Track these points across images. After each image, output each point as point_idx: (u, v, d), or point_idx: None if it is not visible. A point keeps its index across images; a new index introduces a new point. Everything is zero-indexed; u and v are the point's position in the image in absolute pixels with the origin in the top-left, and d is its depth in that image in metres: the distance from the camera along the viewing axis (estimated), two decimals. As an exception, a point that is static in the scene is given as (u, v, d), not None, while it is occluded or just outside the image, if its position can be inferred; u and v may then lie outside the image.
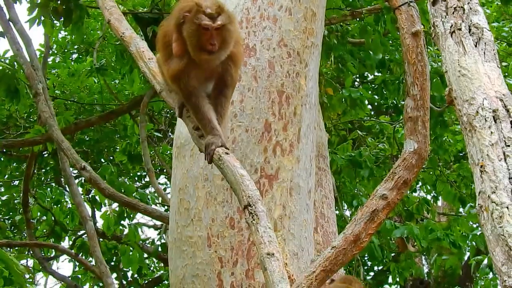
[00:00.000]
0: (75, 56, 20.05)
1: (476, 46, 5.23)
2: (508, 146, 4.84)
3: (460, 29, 5.25)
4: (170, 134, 18.75)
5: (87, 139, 18.33)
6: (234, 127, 8.89)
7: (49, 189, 18.71)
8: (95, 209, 19.29)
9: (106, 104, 17.84)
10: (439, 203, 21.75)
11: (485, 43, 5.26)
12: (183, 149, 9.15)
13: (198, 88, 6.17)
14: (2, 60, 15.28)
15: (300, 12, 9.48)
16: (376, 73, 18.15)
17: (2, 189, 18.85)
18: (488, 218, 4.68)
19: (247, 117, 9.02)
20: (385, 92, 17.86)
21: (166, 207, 13.57)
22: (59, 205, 18.24)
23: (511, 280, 4.50)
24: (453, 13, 5.30)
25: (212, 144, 6.45)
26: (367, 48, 15.93)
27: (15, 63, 15.08)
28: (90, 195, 18.62)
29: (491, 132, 4.88)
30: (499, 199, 4.65)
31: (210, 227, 8.77)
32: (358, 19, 15.87)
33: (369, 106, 19.16)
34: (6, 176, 18.58)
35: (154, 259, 19.75)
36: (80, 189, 17.23)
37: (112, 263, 19.00)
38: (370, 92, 18.41)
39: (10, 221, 18.91)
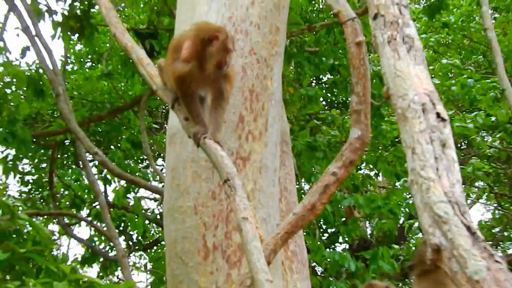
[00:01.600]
0: (89, 64, 20.03)
1: (408, 52, 5.20)
2: (434, 132, 4.81)
3: (395, 39, 5.21)
4: (165, 126, 18.82)
5: (99, 130, 18.32)
6: (214, 119, 8.90)
7: (69, 170, 18.71)
8: (106, 185, 19.34)
9: (114, 102, 17.78)
10: (380, 178, 21.77)
11: (415, 50, 5.23)
12: (175, 138, 9.12)
13: (194, 90, 6.21)
14: (30, 67, 15.18)
15: (266, 27, 9.45)
16: (328, 75, 18.25)
17: (33, 170, 18.81)
18: (418, 189, 4.64)
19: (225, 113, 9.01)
20: (335, 91, 17.93)
21: (162, 184, 13.48)
22: (77, 183, 18.26)
23: (435, 239, 4.46)
24: (389, 26, 5.25)
25: (199, 133, 6.55)
26: (321, 55, 15.95)
27: (40, 70, 15.01)
28: (102, 174, 18.59)
29: (420, 122, 4.86)
30: (427, 174, 4.62)
31: (196, 198, 8.73)
32: (313, 32, 15.84)
33: (323, 102, 19.22)
34: (36, 160, 18.55)
35: (154, 225, 19.67)
36: (94, 169, 17.16)
37: (121, 228, 19.07)
38: (323, 90, 18.51)
39: (39, 196, 18.87)
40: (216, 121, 6.08)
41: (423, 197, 4.56)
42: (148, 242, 19.95)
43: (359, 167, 18.33)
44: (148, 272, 20.47)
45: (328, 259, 15.88)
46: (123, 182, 19.07)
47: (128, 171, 17.55)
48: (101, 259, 18.08)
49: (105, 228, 15.93)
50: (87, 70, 19.77)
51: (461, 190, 4.61)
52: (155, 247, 19.34)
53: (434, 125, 4.80)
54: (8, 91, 15.20)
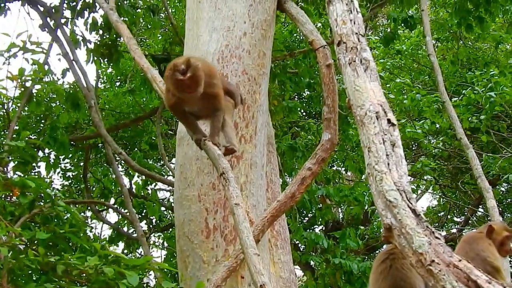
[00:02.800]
0: (118, 84, 19.99)
1: (365, 72, 5.18)
2: (385, 134, 4.81)
3: (355, 61, 5.20)
4: (177, 131, 18.93)
5: (126, 136, 18.29)
6: (214, 126, 8.90)
7: (100, 167, 18.65)
8: (130, 180, 19.37)
9: (136, 113, 17.78)
10: (349, 173, 21.75)
11: (370, 70, 5.21)
12: (183, 140, 9.11)
13: (185, 111, 6.42)
14: (69, 85, 15.16)
15: (255, 53, 9.44)
16: (307, 91, 18.24)
17: (72, 168, 18.76)
18: (373, 180, 4.64)
19: (223, 120, 9.03)
20: (311, 104, 17.90)
21: (173, 177, 13.48)
22: (106, 177, 18.22)
23: (387, 220, 4.45)
24: (350, 51, 5.24)
25: (198, 139, 6.93)
26: (299, 75, 15.93)
27: (77, 87, 14.97)
28: (125, 170, 18.57)
29: (375, 126, 4.85)
30: (380, 168, 4.62)
31: (200, 189, 8.72)
32: (293, 57, 15.82)
33: (303, 112, 19.19)
34: (75, 159, 18.53)
35: (170, 211, 19.63)
36: (120, 167, 17.14)
37: (143, 214, 19.10)
38: (303, 103, 18.52)
39: (77, 188, 18.83)
40: (212, 127, 6.10)
41: (377, 186, 4.56)
42: (165, 225, 19.88)
43: (331, 164, 18.25)
44: (165, 249, 20.36)
45: (306, 238, 15.97)
46: (143, 177, 19.10)
47: (147, 168, 17.55)
48: (125, 239, 18.06)
49: (128, 214, 15.92)
50: (116, 88, 19.74)
51: (407, 181, 4.61)
52: (170, 229, 19.23)
53: (385, 129, 4.80)
54: (52, 104, 15.18)
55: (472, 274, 4.01)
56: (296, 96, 17.56)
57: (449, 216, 25.56)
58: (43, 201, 8.80)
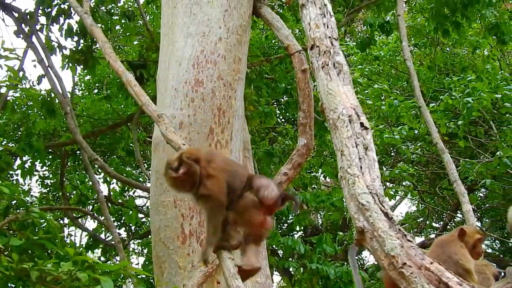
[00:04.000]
0: (95, 91, 19.97)
1: (338, 75, 5.21)
2: (358, 138, 4.85)
3: (328, 65, 5.23)
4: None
5: (104, 143, 18.27)
6: (190, 131, 8.88)
7: (77, 173, 18.61)
8: (109, 186, 19.37)
9: (114, 119, 17.76)
10: (328, 180, 21.82)
11: (343, 74, 5.24)
12: (158, 146, 9.15)
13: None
14: (44, 92, 15.14)
15: (231, 58, 9.46)
16: (285, 97, 18.28)
17: (51, 175, 18.71)
18: (345, 184, 4.68)
19: (199, 125, 9.01)
20: (288, 109, 17.92)
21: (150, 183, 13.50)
22: (83, 184, 18.20)
23: (360, 223, 4.48)
24: (323, 54, 5.27)
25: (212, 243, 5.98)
26: (276, 80, 15.97)
27: (52, 93, 14.94)
28: (101, 176, 18.54)
29: (348, 130, 4.89)
30: (353, 171, 4.66)
31: (175, 195, 8.74)
32: (270, 62, 15.85)
33: (281, 118, 19.22)
34: (54, 167, 18.48)
35: (148, 217, 19.62)
36: (97, 173, 17.13)
37: (122, 221, 19.13)
38: (282, 109, 18.56)
39: (56, 195, 18.78)
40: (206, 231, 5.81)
41: (349, 190, 4.60)
42: (144, 232, 19.87)
43: (308, 170, 18.27)
44: (144, 256, 20.36)
45: (283, 243, 15.98)
46: (120, 183, 19.12)
47: (124, 174, 17.57)
48: (102, 246, 18.07)
49: (104, 220, 15.92)
50: (94, 95, 19.73)
51: (380, 184, 4.65)
52: (149, 236, 19.21)
53: (358, 132, 4.84)
54: (29, 111, 15.16)
55: (443, 276, 4.05)
56: (274, 102, 17.57)
57: (427, 222, 25.68)
58: (18, 207, 8.81)
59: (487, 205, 24.69)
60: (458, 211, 21.72)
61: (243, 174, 5.97)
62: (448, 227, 24.21)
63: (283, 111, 18.58)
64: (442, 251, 4.73)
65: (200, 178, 5.64)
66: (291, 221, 19.78)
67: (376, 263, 23.52)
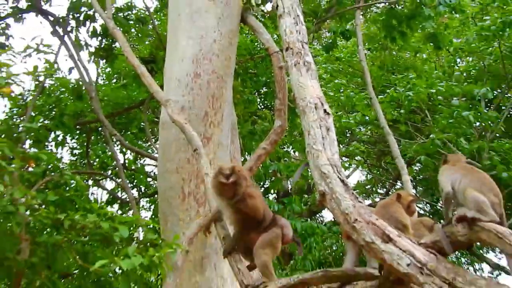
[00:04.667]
0: (114, 80, 19.82)
1: (307, 72, 5.27)
2: (322, 121, 4.90)
3: (299, 63, 5.29)
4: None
5: (120, 122, 18.12)
6: (190, 113, 8.94)
7: (99, 145, 18.50)
8: (123, 156, 19.28)
9: (128, 103, 17.68)
10: (297, 154, 21.77)
11: (311, 71, 5.30)
12: (164, 125, 9.23)
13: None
14: (73, 80, 15.08)
15: (223, 56, 9.54)
16: (265, 88, 18.24)
17: (78, 147, 18.59)
18: (311, 157, 4.73)
19: (197, 109, 9.09)
20: (267, 97, 17.90)
21: (157, 154, 13.48)
22: (104, 153, 18.10)
23: (321, 188, 4.54)
24: (295, 55, 5.33)
25: (226, 250, 5.69)
26: (258, 75, 15.99)
27: (80, 82, 14.90)
28: (119, 148, 18.42)
29: (314, 114, 4.94)
30: (317, 147, 4.70)
31: (178, 162, 8.81)
32: (253, 60, 15.85)
33: (261, 105, 19.18)
34: (81, 140, 18.34)
35: (155, 181, 19.55)
36: (115, 146, 17.04)
37: (134, 183, 19.07)
38: (261, 98, 18.54)
39: (81, 162, 18.66)
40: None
41: (314, 161, 4.66)
42: (151, 193, 19.79)
43: (281, 146, 18.28)
44: (151, 211, 20.28)
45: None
46: (133, 154, 19.10)
47: (137, 147, 17.58)
48: (119, 203, 18.05)
49: (121, 182, 15.92)
50: (113, 83, 19.58)
51: (338, 158, 4.72)
52: (155, 195, 19.15)
53: (322, 117, 4.90)
54: (61, 95, 15.08)
55: (386, 229, 4.13)
56: (256, 92, 17.55)
57: (374, 189, 25.75)
58: (53, 171, 8.83)
59: (421, 176, 24.77)
60: (398, 181, 21.84)
61: (268, 210, 5.87)
62: (390, 193, 24.34)
63: (263, 99, 18.57)
64: (385, 211, 4.81)
65: (242, 193, 5.42)
66: (267, 186, 19.76)
67: (333, 219, 23.62)
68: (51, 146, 15.93)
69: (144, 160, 20.50)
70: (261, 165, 9.29)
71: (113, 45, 15.41)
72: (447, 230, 4.22)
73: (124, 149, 18.62)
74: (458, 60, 22.49)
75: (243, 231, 5.55)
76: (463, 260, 23.88)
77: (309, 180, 17.37)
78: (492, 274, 23.52)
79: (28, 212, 7.74)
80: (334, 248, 22.67)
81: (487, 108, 19.85)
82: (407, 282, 4.08)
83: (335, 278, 4.53)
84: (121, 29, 14.71)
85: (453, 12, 15.82)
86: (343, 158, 21.87)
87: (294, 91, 5.17)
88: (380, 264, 4.39)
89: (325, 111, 4.93)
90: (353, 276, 4.51)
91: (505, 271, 22.32)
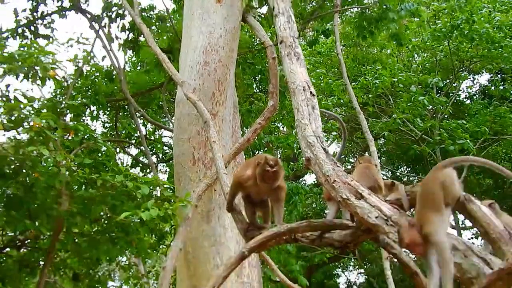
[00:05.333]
0: (139, 67, 19.67)
1: (297, 61, 5.19)
2: (309, 101, 4.84)
3: (291, 54, 5.20)
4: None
5: (143, 100, 17.96)
6: (200, 94, 8.84)
7: (126, 119, 18.39)
8: (145, 128, 19.16)
9: (150, 85, 17.57)
10: (285, 129, 21.70)
11: (301, 60, 5.22)
12: (180, 102, 9.15)
13: (250, 197, 5.09)
14: (106, 66, 15.00)
15: (227, 48, 9.47)
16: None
17: (108, 120, 18.47)
18: (299, 129, 4.67)
19: (205, 90, 9.02)
20: (262, 82, 17.77)
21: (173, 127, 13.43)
22: (129, 126, 17.98)
23: (307, 154, 4.50)
24: (288, 47, 5.24)
25: (244, 228, 5.16)
26: (255, 63, 15.91)
27: (112, 68, 14.84)
28: (142, 121, 18.29)
29: (302, 95, 4.88)
30: (304, 122, 4.65)
31: (190, 133, 8.78)
32: (252, 52, 15.76)
33: (257, 88, 19.07)
34: (110, 114, 18.22)
35: (170, 149, 19.45)
36: (139, 120, 16.90)
37: (153, 151, 19.01)
38: (257, 83, 18.43)
39: (111, 133, 18.53)
40: (278, 215, 5.03)
41: (302, 133, 4.60)
42: (167, 159, 19.70)
43: (272, 122, 18.17)
44: (167, 173, 20.23)
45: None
46: (153, 126, 19.01)
47: (156, 120, 17.48)
48: (141, 166, 18.00)
49: (143, 149, 15.88)
50: (138, 69, 19.45)
51: (321, 131, 4.66)
52: (170, 161, 19.07)
53: (309, 98, 4.83)
54: (96, 79, 15.00)
55: (359, 188, 4.09)
56: (253, 78, 17.43)
57: (346, 158, 25.75)
58: (88, 139, 8.80)
59: (385, 148, 24.84)
60: (367, 152, 21.84)
61: None
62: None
63: (259, 84, 18.46)
64: (368, 171, 4.78)
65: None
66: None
67: (314, 182, 23.63)
68: (87, 119, 15.85)
69: (162, 132, 20.45)
70: (256, 137, 9.20)
71: (138, 39, 15.31)
72: (408, 190, 4.22)
73: (146, 123, 18.56)
74: (416, 55, 22.47)
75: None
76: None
77: (295, 151, 17.31)
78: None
79: (67, 172, 7.72)
80: (314, 205, 22.77)
81: (438, 94, 19.84)
82: (374, 231, 4.07)
83: (317, 227, 4.49)
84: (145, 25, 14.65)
85: (412, 16, 15.78)
86: (323, 133, 21.88)
87: (286, 76, 5.10)
88: (351, 215, 4.37)
89: (311, 92, 4.87)
90: (331, 225, 4.48)
91: (451, 225, 22.45)
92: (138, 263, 14.31)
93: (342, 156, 25.55)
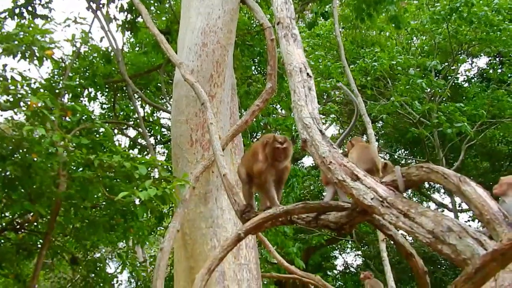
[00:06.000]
0: (137, 48, 19.60)
1: (294, 42, 5.16)
2: (305, 82, 4.82)
3: (288, 35, 5.17)
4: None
5: (141, 82, 17.88)
6: (198, 75, 8.79)
7: (124, 100, 18.30)
8: (143, 109, 19.09)
9: (148, 67, 17.51)
10: (283, 111, 21.64)
11: (298, 41, 5.18)
12: (178, 84, 9.10)
13: (270, 179, 5.22)
14: (104, 47, 14.92)
15: (226, 29, 9.38)
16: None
17: (106, 101, 18.41)
18: (296, 111, 4.65)
19: (203, 72, 8.95)
20: (261, 64, 17.71)
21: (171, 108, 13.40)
22: (127, 107, 17.90)
23: (303, 136, 4.50)
24: (285, 28, 5.20)
25: (245, 210, 5.19)
26: (254, 45, 15.84)
27: (110, 49, 14.76)
28: (140, 103, 18.18)
29: (299, 77, 4.85)
30: (300, 103, 4.64)
31: (187, 115, 8.72)
32: (250, 33, 15.68)
33: (255, 70, 19.00)
34: (108, 95, 18.15)
35: (168, 131, 19.41)
36: (136, 101, 16.81)
37: (151, 132, 18.94)
38: (256, 64, 18.36)
39: (109, 114, 18.48)
40: (277, 196, 5.06)
41: (298, 114, 4.59)
42: (165, 140, 19.68)
43: (271, 104, 18.09)
44: (165, 155, 20.20)
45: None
46: (151, 108, 18.94)
47: (154, 102, 17.41)
48: (139, 147, 17.95)
49: (141, 131, 15.86)
50: (136, 51, 19.37)
51: (317, 112, 4.64)
52: (168, 142, 19.04)
53: (305, 79, 4.80)
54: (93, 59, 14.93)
55: (354, 170, 4.08)
56: (251, 60, 17.35)
57: (345, 141, 25.74)
58: (86, 120, 8.79)
59: (383, 131, 24.85)
60: (364, 134, 21.85)
61: None
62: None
63: (257, 66, 18.40)
64: (367, 152, 4.78)
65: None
66: (259, 137, 19.66)
67: (312, 165, 23.66)
68: (85, 100, 15.80)
69: (160, 113, 20.39)
70: (254, 118, 9.19)
71: (136, 20, 15.23)
72: (403, 172, 4.21)
73: (144, 104, 18.49)
74: (414, 38, 22.42)
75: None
76: (414, 199, 24.01)
77: (293, 133, 17.30)
78: (437, 210, 23.72)
79: (65, 153, 7.72)
80: (311, 188, 22.80)
81: (437, 77, 19.81)
82: (370, 213, 4.07)
83: (313, 209, 4.50)
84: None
85: (412, -1, 15.74)
86: (320, 115, 21.85)
87: (283, 58, 5.07)
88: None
89: (307, 74, 4.84)
90: (327, 207, 4.48)
91: (448, 208, 22.55)
92: (137, 249, 14.38)
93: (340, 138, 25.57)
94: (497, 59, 21.45)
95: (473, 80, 22.81)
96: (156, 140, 19.74)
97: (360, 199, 3.98)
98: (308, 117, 4.53)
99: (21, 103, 7.81)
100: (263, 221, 4.55)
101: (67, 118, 8.89)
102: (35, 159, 8.05)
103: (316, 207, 4.49)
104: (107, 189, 8.20)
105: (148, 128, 18.59)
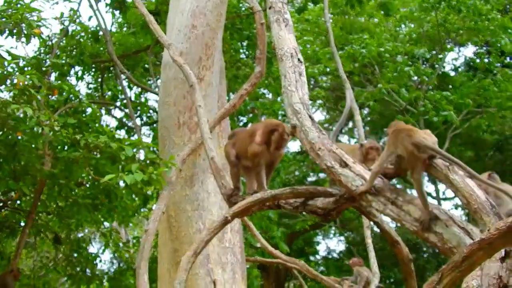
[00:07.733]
0: (125, 28, 19.37)
1: (285, 27, 5.15)
2: (296, 68, 4.82)
3: (279, 20, 5.16)
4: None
5: (129, 62, 17.65)
6: (187, 58, 8.69)
7: (111, 81, 18.09)
8: (130, 90, 18.91)
9: (136, 47, 17.34)
10: (270, 95, 21.54)
11: (289, 26, 5.19)
12: (166, 66, 9.09)
13: (262, 162, 5.12)
14: (92, 27, 14.80)
15: (215, 12, 9.34)
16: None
17: (93, 81, 18.21)
18: (286, 96, 4.65)
19: (192, 54, 8.94)
20: (249, 48, 17.58)
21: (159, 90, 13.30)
22: (115, 87, 17.68)
23: (293, 121, 4.50)
24: (277, 12, 5.18)
25: (233, 194, 5.12)
26: (243, 29, 15.74)
27: (98, 28, 14.63)
28: (127, 83, 18.00)
29: (289, 62, 4.85)
30: (291, 88, 4.66)
31: (175, 98, 8.73)
32: (239, 17, 15.59)
33: (243, 53, 18.89)
34: (95, 75, 17.95)
35: (155, 112, 19.22)
36: (124, 82, 16.63)
37: (138, 113, 18.76)
38: (244, 48, 18.26)
39: (96, 94, 18.27)
40: (267, 179, 5.05)
41: (288, 100, 4.58)
42: (152, 122, 19.51)
43: (259, 88, 18.00)
44: (152, 137, 20.04)
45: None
46: (139, 89, 18.76)
47: (142, 83, 17.27)
48: (126, 128, 17.81)
49: (128, 112, 15.77)
50: (124, 31, 19.12)
51: (307, 98, 4.64)
52: (155, 124, 18.90)
53: (296, 64, 4.80)
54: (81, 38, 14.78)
55: (343, 157, 4.09)
56: (240, 43, 17.23)
57: (331, 127, 25.81)
58: (73, 99, 8.73)
59: (369, 118, 24.91)
60: (351, 121, 21.90)
61: None
62: (343, 131, 24.52)
63: (246, 49, 18.27)
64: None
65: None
66: (245, 121, 19.59)
67: (298, 150, 23.69)
68: (72, 79, 15.65)
69: (147, 95, 20.25)
70: (242, 102, 9.15)
71: (126, -1, 15.13)
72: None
73: (131, 85, 18.30)
74: (403, 25, 22.41)
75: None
76: (399, 186, 24.12)
77: (279, 117, 17.30)
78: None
79: (51, 132, 7.64)
80: (296, 173, 22.84)
81: (424, 65, 19.84)
82: (358, 199, 4.08)
83: (300, 194, 4.50)
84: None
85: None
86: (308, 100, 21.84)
87: (274, 42, 5.04)
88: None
89: (298, 59, 4.83)
90: (315, 193, 4.48)
91: (432, 196, 22.71)
92: (120, 230, 14.34)
93: (326, 125, 25.64)
94: (484, 48, 21.51)
95: (459, 69, 22.87)
96: (143, 122, 19.63)
97: (349, 186, 3.99)
98: (298, 103, 4.52)
99: (8, 81, 7.71)
100: (250, 205, 4.55)
101: (54, 97, 8.81)
102: (20, 137, 7.98)
103: (304, 193, 4.49)
104: (92, 170, 8.15)
105: (135, 110, 18.47)
